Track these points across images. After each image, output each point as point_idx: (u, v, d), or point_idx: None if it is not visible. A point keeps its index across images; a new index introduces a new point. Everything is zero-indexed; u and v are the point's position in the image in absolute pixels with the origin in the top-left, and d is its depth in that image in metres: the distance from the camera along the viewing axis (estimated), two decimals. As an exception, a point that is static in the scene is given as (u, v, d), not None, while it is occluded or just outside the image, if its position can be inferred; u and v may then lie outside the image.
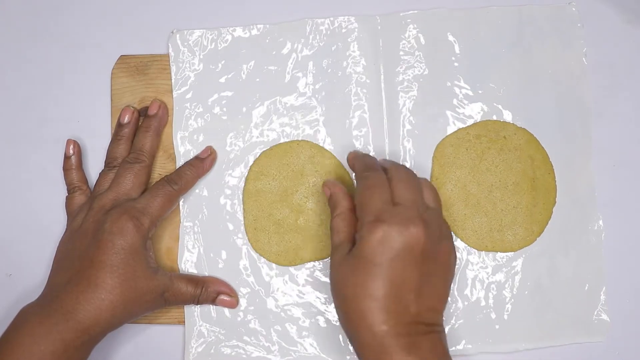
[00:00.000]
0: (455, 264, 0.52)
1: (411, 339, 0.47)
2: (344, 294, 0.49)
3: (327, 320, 0.60)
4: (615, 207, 0.61)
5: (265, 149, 0.61)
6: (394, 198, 0.50)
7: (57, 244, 0.58)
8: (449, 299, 0.59)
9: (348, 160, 0.56)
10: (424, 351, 0.47)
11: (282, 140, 0.61)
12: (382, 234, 0.48)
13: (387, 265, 0.48)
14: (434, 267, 0.49)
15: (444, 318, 0.51)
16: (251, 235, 0.60)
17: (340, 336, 0.59)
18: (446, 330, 0.59)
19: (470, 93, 0.61)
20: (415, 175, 0.53)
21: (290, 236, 0.60)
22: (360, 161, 0.55)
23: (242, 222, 0.61)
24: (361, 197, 0.51)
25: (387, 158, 0.61)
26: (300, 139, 0.61)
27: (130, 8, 0.63)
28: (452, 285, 0.58)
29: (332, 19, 0.62)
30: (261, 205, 0.61)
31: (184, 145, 0.62)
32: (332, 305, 0.60)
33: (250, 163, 0.61)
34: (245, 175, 0.61)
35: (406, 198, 0.50)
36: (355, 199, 0.52)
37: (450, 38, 0.62)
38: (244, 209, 0.61)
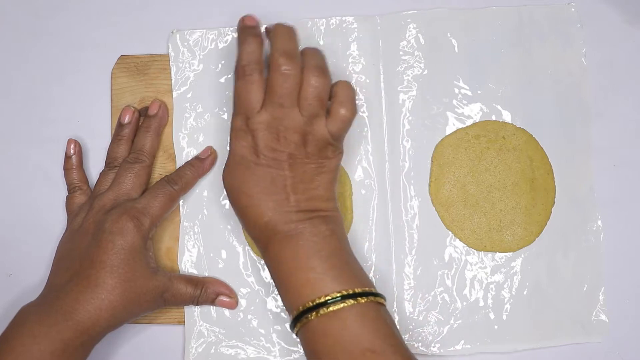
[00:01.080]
0: (335, 160, 0.55)
1: (292, 225, 0.51)
2: (228, 192, 0.54)
3: (327, 320, 0.60)
4: (614, 207, 0.61)
5: None
6: (268, 97, 0.53)
7: (57, 244, 0.58)
8: (447, 298, 0.60)
9: (266, 29, 0.57)
10: (304, 234, 0.51)
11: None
12: (244, 143, 0.53)
13: (254, 167, 0.52)
14: (304, 167, 0.53)
15: (336, 205, 0.55)
16: (254, 246, 0.60)
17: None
18: (445, 330, 0.59)
19: (470, 93, 0.61)
20: (321, 72, 0.53)
21: None
22: (280, 41, 0.54)
23: (244, 235, 0.61)
24: (237, 90, 0.54)
25: (386, 155, 0.61)
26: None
27: (130, 8, 0.64)
28: (450, 282, 0.59)
29: (332, 19, 0.62)
30: None
31: (184, 145, 0.62)
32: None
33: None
34: (225, 203, 0.61)
35: (279, 102, 0.52)
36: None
37: (450, 38, 0.62)
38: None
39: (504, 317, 0.59)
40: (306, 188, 0.53)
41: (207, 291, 0.58)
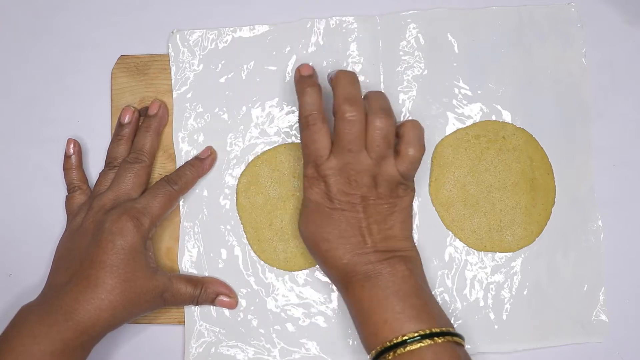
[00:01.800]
0: (408, 198, 0.55)
1: (370, 266, 0.52)
2: (305, 238, 0.55)
3: (328, 321, 0.60)
4: (614, 207, 0.61)
5: (250, 160, 0.61)
6: (336, 143, 0.54)
7: (57, 244, 0.58)
8: (447, 298, 0.60)
9: (330, 78, 0.57)
10: (383, 274, 0.52)
11: (281, 141, 0.61)
12: (317, 189, 0.54)
13: (329, 212, 0.54)
14: (377, 207, 0.54)
15: (413, 244, 0.55)
16: (256, 248, 0.60)
17: (341, 337, 0.59)
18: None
19: (470, 93, 0.61)
20: (386, 113, 0.54)
21: (295, 241, 0.60)
22: (342, 87, 0.55)
23: (244, 236, 0.61)
24: (304, 141, 0.55)
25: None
26: (299, 138, 0.61)
27: (130, 8, 0.63)
28: (450, 282, 0.59)
29: (331, 19, 0.62)
30: (258, 217, 0.61)
31: (184, 145, 0.62)
32: (333, 304, 0.60)
33: (249, 161, 0.61)
34: (235, 188, 0.61)
35: (347, 147, 0.53)
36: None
37: (450, 38, 0.62)
38: (242, 223, 0.61)
39: (504, 317, 0.59)
40: (381, 228, 0.53)
41: (206, 291, 0.58)
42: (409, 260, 0.53)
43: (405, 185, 0.55)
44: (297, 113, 0.61)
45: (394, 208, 0.54)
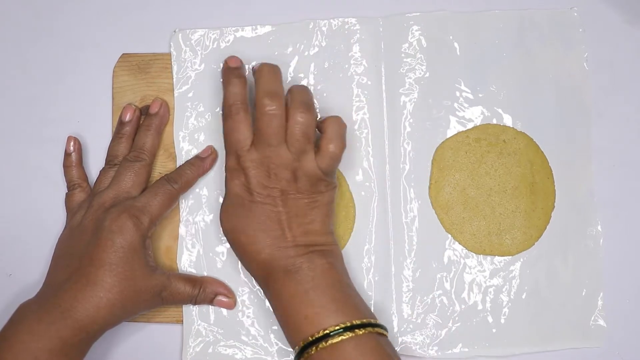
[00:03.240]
0: (329, 193, 0.55)
1: (290, 260, 0.53)
2: (226, 231, 0.55)
3: (325, 321, 0.60)
4: (614, 208, 0.61)
5: None
6: (257, 136, 0.54)
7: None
8: (446, 301, 0.60)
9: (252, 69, 0.58)
10: (302, 269, 0.52)
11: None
12: (238, 181, 0.54)
13: (249, 204, 0.54)
14: (297, 202, 0.54)
15: (334, 238, 0.56)
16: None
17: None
18: (443, 333, 0.59)
19: (471, 96, 0.61)
20: (306, 108, 0.54)
21: None
22: (264, 81, 0.55)
23: None
24: (226, 130, 0.56)
25: (387, 157, 0.61)
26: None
27: (133, 7, 0.63)
28: (448, 285, 0.59)
29: (334, 20, 0.62)
30: None
31: (184, 144, 0.62)
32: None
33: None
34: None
35: (267, 141, 0.54)
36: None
37: (452, 41, 0.62)
38: None
39: (502, 320, 0.59)
40: (301, 222, 0.54)
41: (205, 291, 0.58)
42: (329, 254, 0.54)
43: (326, 181, 0.55)
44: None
45: (315, 203, 0.55)
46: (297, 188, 0.54)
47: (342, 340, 0.49)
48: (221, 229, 0.56)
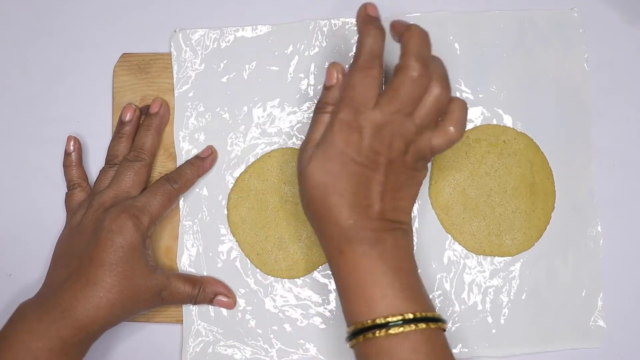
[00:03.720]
0: (423, 174, 0.53)
1: (375, 234, 0.49)
2: (312, 186, 0.50)
3: (326, 322, 0.60)
4: (614, 208, 0.61)
5: (238, 175, 0.61)
6: (387, 98, 0.49)
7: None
8: (446, 301, 0.60)
9: (392, 25, 0.52)
10: (387, 245, 0.49)
11: (282, 142, 0.61)
12: (348, 137, 0.49)
13: (350, 164, 0.49)
14: (398, 175, 0.50)
15: (412, 218, 0.54)
16: (257, 262, 0.60)
17: (339, 338, 0.59)
18: (443, 333, 0.59)
19: (471, 97, 0.61)
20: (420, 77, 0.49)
21: (295, 247, 0.60)
22: (416, 43, 0.50)
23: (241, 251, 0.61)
24: (353, 81, 0.50)
25: None
26: (299, 139, 0.61)
27: (133, 7, 0.63)
28: (448, 285, 0.59)
29: (334, 20, 0.62)
30: (253, 231, 0.60)
31: (184, 144, 0.62)
32: (331, 306, 0.60)
33: (250, 162, 0.61)
34: (225, 204, 0.61)
35: (398, 107, 0.49)
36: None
37: (452, 41, 0.62)
38: (236, 240, 0.60)
39: (502, 321, 0.59)
40: (394, 197, 0.50)
41: (205, 291, 0.58)
42: (410, 236, 0.52)
43: (425, 161, 0.52)
44: (298, 114, 0.62)
45: (412, 180, 0.52)
46: (403, 161, 0.50)
47: (415, 330, 0.47)
48: (302, 179, 0.51)
